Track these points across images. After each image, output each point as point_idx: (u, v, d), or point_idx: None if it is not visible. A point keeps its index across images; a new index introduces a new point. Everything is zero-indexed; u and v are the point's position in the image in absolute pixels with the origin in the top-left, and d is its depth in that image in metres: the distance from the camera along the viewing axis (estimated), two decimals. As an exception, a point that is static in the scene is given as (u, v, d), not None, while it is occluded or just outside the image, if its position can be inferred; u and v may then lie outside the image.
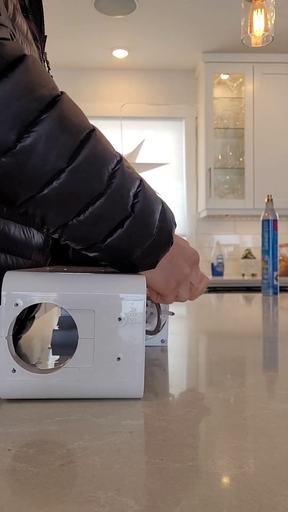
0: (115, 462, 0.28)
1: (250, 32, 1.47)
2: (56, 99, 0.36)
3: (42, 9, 0.66)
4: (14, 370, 0.38)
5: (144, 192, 0.41)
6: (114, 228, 0.39)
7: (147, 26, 2.71)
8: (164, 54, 3.09)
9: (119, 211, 0.39)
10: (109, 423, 0.34)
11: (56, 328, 0.62)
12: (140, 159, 3.31)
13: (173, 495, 0.24)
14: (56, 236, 0.40)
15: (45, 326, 0.84)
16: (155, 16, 2.60)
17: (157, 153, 3.36)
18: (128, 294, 0.39)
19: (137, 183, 0.41)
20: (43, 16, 0.66)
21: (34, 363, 0.52)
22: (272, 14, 1.44)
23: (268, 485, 0.25)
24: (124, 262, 0.42)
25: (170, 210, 0.45)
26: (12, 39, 0.50)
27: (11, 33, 0.50)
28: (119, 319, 0.39)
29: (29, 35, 0.58)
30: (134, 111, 3.33)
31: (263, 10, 1.45)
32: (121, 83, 3.34)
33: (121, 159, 0.40)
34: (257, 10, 1.45)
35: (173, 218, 0.45)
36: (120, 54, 3.07)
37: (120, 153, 0.43)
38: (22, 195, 0.36)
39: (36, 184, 0.36)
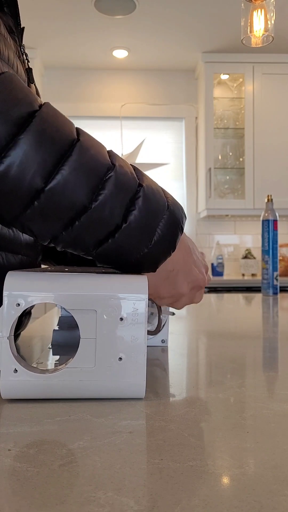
0: (115, 462, 0.28)
1: (250, 32, 1.47)
2: (32, 116, 0.35)
3: (17, 1, 0.65)
4: (16, 370, 0.38)
5: (144, 199, 0.39)
6: (104, 238, 0.39)
7: (147, 26, 2.71)
8: (164, 54, 3.09)
9: (108, 223, 0.38)
10: (109, 423, 0.34)
11: (56, 328, 0.62)
12: (140, 159, 3.31)
13: (173, 495, 0.24)
14: (52, 245, 0.40)
15: (45, 326, 0.84)
16: (155, 16, 2.60)
17: (157, 153, 3.36)
18: (130, 294, 0.39)
19: (134, 190, 0.39)
20: (18, 8, 0.65)
21: (35, 363, 0.52)
22: (272, 14, 1.44)
23: (268, 485, 0.25)
24: (121, 267, 0.42)
25: (178, 213, 0.42)
26: None
27: None
28: (121, 319, 0.39)
29: (2, 29, 0.57)
30: (134, 111, 3.33)
31: (263, 10, 1.45)
32: (121, 83, 3.34)
33: (113, 167, 0.38)
34: (257, 10, 1.45)
35: (181, 222, 0.42)
36: (120, 54, 3.07)
37: (117, 155, 0.41)
38: (7, 215, 0.37)
39: (16, 206, 0.36)
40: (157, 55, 3.10)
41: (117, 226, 0.38)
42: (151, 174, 3.31)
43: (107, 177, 0.38)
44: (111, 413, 0.36)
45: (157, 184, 0.43)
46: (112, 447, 0.30)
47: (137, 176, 0.41)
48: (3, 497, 0.24)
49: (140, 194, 0.39)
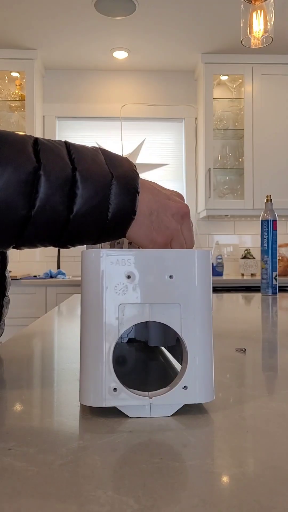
0: (115, 461, 0.28)
1: (250, 33, 1.47)
2: None
3: None
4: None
5: (82, 182, 0.39)
6: (59, 234, 0.39)
7: (147, 27, 2.72)
8: (164, 55, 3.09)
9: (55, 221, 0.39)
10: (109, 422, 0.34)
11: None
12: (140, 159, 3.31)
13: (173, 495, 0.24)
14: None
15: (45, 325, 0.84)
16: (155, 17, 2.60)
17: (157, 153, 3.36)
18: None
19: (69, 178, 0.38)
20: None
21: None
22: (271, 15, 1.44)
23: (268, 484, 0.25)
24: (89, 242, 0.43)
25: (128, 177, 0.41)
26: None
27: None
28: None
29: None
30: (134, 112, 3.33)
31: (262, 11, 1.45)
32: (121, 84, 3.34)
33: (40, 165, 0.37)
34: (257, 11, 1.46)
35: (134, 184, 0.41)
36: (120, 55, 3.07)
37: (43, 143, 0.39)
38: None
39: None
40: (157, 56, 3.10)
41: (65, 219, 0.39)
42: (151, 174, 3.31)
43: (36, 180, 0.37)
44: (111, 412, 0.36)
45: (95, 154, 0.41)
46: (112, 446, 0.30)
47: (70, 158, 0.40)
48: (4, 496, 0.24)
49: (77, 179, 0.39)
